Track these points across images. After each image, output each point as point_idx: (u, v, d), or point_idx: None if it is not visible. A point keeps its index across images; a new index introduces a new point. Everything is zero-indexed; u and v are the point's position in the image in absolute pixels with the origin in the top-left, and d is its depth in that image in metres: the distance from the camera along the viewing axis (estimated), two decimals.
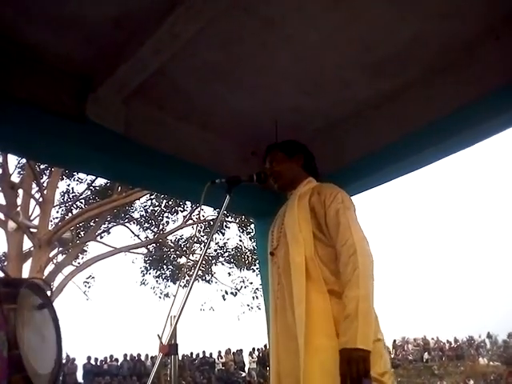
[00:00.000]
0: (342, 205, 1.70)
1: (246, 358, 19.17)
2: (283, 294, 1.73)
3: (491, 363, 18.75)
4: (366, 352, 1.41)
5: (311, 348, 1.51)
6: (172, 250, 12.90)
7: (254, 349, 19.07)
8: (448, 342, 23.41)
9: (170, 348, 1.41)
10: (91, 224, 12.10)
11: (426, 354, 21.58)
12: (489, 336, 23.55)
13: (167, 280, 12.88)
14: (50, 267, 10.41)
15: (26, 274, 9.33)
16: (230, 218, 11.98)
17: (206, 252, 1.71)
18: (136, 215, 12.85)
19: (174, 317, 1.44)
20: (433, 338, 23.25)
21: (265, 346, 17.55)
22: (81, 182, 12.14)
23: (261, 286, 3.67)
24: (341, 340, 1.48)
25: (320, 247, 1.70)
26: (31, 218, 10.76)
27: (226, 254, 12.76)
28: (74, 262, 11.61)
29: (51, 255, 10.42)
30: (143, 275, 13.06)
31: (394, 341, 21.81)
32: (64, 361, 14.06)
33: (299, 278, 1.64)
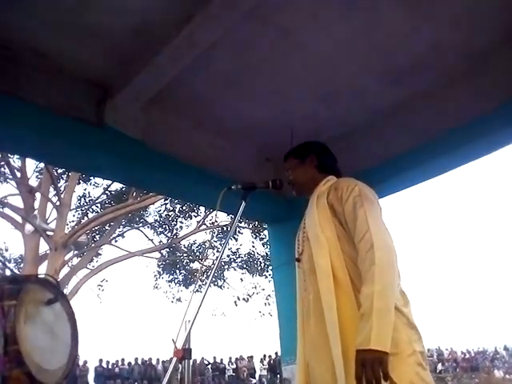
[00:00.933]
0: (358, 197, 1.58)
1: (257, 365, 19.07)
2: (309, 300, 1.64)
3: (507, 376, 18.29)
4: (382, 353, 1.29)
5: (347, 357, 1.40)
6: (185, 254, 12.96)
7: (264, 356, 18.94)
8: (462, 353, 22.95)
9: (184, 352, 1.41)
10: (106, 228, 12.24)
11: (440, 364, 21.17)
12: (505, 348, 23.02)
13: (180, 285, 12.95)
14: (65, 270, 10.56)
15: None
16: (243, 224, 12.00)
17: (221, 258, 1.70)
18: (150, 220, 12.98)
19: (189, 321, 1.45)
20: (447, 349, 22.81)
21: (276, 353, 17.44)
22: (97, 187, 12.33)
23: (273, 293, 3.67)
24: (356, 341, 1.35)
25: (346, 246, 1.58)
26: (48, 222, 10.94)
27: (239, 260, 12.78)
28: (88, 265, 11.75)
29: (66, 258, 10.56)
30: (156, 279, 13.18)
31: None
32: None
33: (326, 281, 1.54)
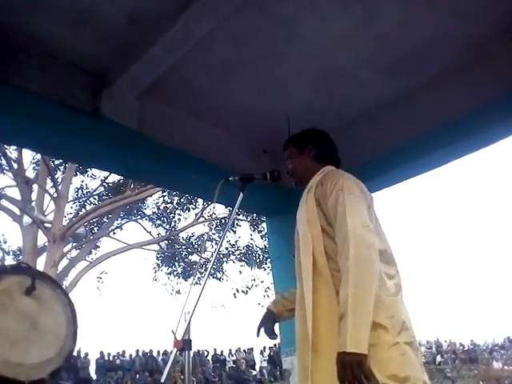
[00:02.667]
0: (341, 192, 1.55)
1: (257, 357, 19.19)
2: (299, 295, 1.66)
3: (506, 367, 18.45)
4: (359, 356, 1.30)
5: (317, 354, 1.46)
6: (184, 247, 12.97)
7: (264, 347, 19.07)
8: (461, 344, 23.12)
9: (184, 343, 1.40)
10: (104, 220, 12.23)
11: (439, 356, 21.31)
12: (509, 340, 23.14)
13: (179, 277, 12.97)
14: (63, 262, 10.57)
15: (40, 267, 9.48)
16: (241, 216, 12.00)
17: (219, 250, 1.69)
18: (148, 212, 12.98)
19: (188, 312, 1.44)
20: (446, 341, 22.97)
21: (275, 344, 17.54)
22: (94, 179, 12.30)
23: (272, 285, 3.66)
24: (338, 342, 1.36)
25: (332, 242, 1.56)
26: (46, 213, 10.92)
27: (237, 252, 12.79)
28: (87, 258, 11.76)
29: (65, 250, 10.58)
30: (155, 272, 13.20)
31: None
32: (76, 355, 14.20)
33: (306, 278, 1.56)
